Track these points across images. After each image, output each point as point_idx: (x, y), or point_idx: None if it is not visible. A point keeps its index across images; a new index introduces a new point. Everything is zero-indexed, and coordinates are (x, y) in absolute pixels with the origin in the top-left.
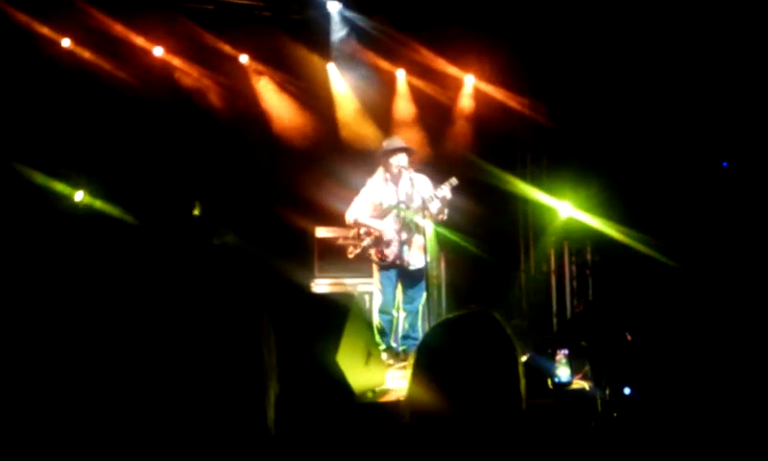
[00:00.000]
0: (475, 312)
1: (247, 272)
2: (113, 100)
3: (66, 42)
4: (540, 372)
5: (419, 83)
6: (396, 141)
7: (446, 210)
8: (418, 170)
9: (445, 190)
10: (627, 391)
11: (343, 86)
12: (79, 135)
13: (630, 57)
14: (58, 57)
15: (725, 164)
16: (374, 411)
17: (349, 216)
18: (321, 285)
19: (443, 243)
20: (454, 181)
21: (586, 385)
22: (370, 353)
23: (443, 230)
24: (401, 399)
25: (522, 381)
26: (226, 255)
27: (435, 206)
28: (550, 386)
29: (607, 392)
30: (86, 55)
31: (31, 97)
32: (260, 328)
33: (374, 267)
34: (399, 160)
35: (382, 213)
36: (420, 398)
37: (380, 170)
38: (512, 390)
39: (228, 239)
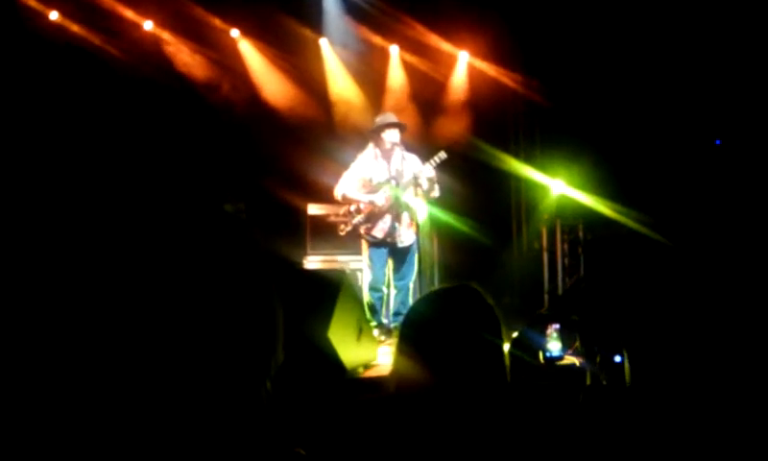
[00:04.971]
0: (458, 285)
1: (255, 241)
2: (102, 74)
3: (54, 15)
4: (532, 346)
5: (412, 59)
6: (390, 117)
7: (437, 186)
8: (409, 148)
9: (433, 166)
10: (618, 359)
11: (335, 62)
12: (66, 109)
13: (624, 34)
14: (45, 30)
15: (718, 142)
16: (365, 386)
17: (338, 191)
18: (313, 262)
19: (435, 221)
20: (443, 154)
21: (576, 361)
22: (361, 330)
23: (435, 209)
24: (387, 371)
25: (506, 353)
26: (238, 223)
27: (424, 184)
28: (541, 360)
29: (597, 359)
30: (75, 28)
31: (16, 70)
32: (272, 296)
33: (364, 244)
34: (392, 136)
35: (372, 190)
36: (404, 370)
37: (370, 146)
38: (495, 361)
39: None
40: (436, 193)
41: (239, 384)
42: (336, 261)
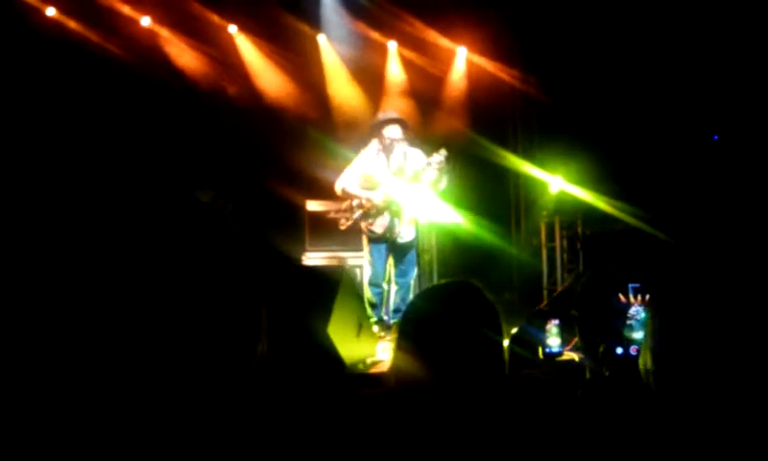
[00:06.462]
0: (457, 281)
1: (236, 232)
2: (100, 70)
3: (51, 11)
4: (531, 342)
5: (410, 54)
6: (390, 113)
7: (445, 179)
8: (411, 143)
9: (438, 159)
10: (619, 351)
11: (333, 58)
12: (63, 105)
13: (621, 30)
14: (42, 26)
15: (716, 138)
16: (364, 382)
17: (338, 186)
18: (312, 258)
19: (435, 217)
20: (443, 152)
21: (575, 356)
22: (361, 325)
23: (436, 204)
24: (387, 367)
25: (505, 348)
26: (214, 213)
27: (428, 178)
28: (540, 356)
29: (600, 350)
30: (72, 24)
31: (13, 67)
32: (254, 287)
33: (364, 239)
34: (392, 132)
35: (372, 186)
36: (403, 365)
37: (374, 142)
38: (494, 357)
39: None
40: (443, 185)
41: (220, 378)
42: (336, 258)
